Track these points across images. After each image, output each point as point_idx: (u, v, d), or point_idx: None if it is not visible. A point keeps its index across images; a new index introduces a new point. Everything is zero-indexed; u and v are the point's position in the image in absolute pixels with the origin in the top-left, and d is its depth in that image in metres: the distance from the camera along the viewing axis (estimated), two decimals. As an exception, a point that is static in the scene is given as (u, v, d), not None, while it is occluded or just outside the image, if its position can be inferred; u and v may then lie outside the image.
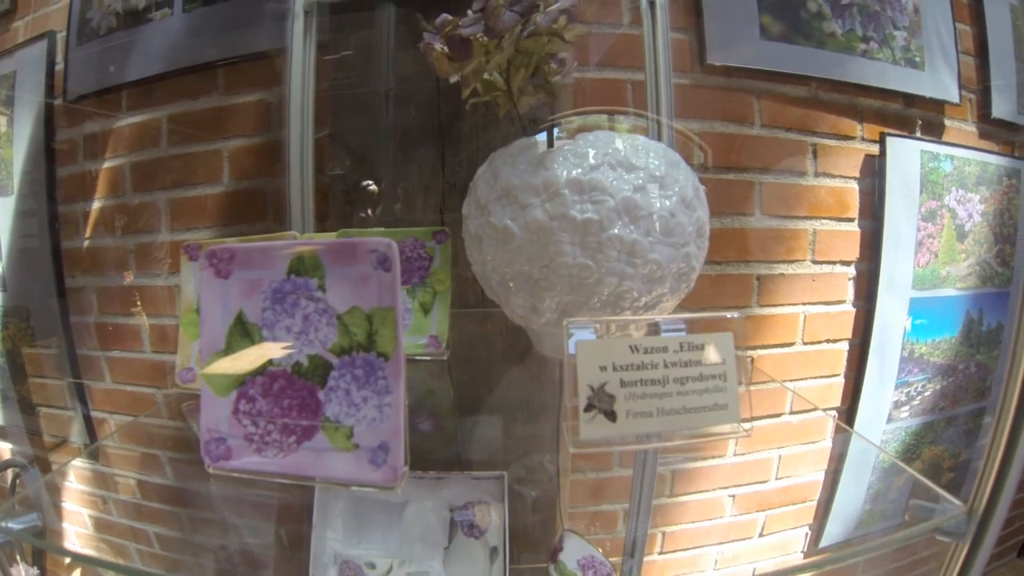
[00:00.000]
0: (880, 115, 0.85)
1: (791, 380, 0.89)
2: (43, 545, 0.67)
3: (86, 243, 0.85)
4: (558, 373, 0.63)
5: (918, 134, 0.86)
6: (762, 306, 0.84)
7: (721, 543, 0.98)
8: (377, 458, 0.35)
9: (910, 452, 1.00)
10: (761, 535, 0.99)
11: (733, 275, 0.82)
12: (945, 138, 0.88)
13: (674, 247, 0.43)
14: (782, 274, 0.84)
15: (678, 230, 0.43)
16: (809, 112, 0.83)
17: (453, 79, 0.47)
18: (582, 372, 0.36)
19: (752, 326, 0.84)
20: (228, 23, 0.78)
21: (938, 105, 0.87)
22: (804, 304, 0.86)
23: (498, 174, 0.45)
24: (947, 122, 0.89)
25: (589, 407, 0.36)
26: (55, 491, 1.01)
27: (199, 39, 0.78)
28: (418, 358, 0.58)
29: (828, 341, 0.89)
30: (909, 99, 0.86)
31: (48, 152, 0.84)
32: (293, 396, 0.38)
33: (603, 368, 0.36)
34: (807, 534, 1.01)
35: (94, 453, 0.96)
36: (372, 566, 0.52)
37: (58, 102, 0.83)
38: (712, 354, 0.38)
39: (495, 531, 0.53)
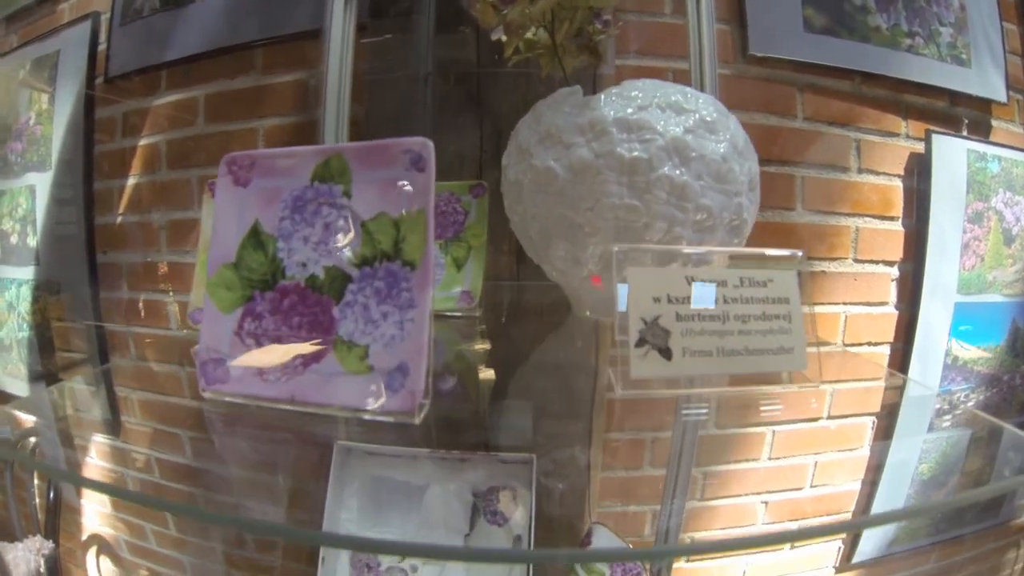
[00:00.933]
0: (925, 112, 0.83)
1: (831, 382, 0.85)
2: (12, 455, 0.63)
3: (119, 219, 0.86)
4: (594, 356, 0.60)
5: (964, 133, 0.84)
6: (803, 304, 0.81)
7: (751, 552, 0.94)
8: (394, 382, 0.30)
9: (951, 464, 0.95)
10: (793, 547, 0.95)
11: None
12: (992, 138, 0.85)
13: (726, 195, 0.41)
14: (823, 271, 0.81)
15: (730, 177, 0.41)
16: (852, 107, 0.81)
17: (495, 36, 0.46)
18: (634, 303, 0.32)
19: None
20: (268, 4, 0.79)
21: (985, 104, 0.85)
22: (845, 304, 0.83)
23: (541, 118, 0.44)
24: (994, 122, 0.86)
25: (641, 342, 0.32)
26: (75, 466, 1.00)
27: (239, 20, 0.79)
28: (448, 314, 0.56)
29: (870, 344, 0.85)
30: (955, 97, 0.83)
31: (87, 130, 0.85)
32: (305, 313, 0.34)
33: (657, 300, 0.32)
34: (840, 548, 0.97)
35: (115, 429, 0.95)
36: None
37: (100, 81, 0.84)
38: (776, 291, 0.34)
39: (520, 519, 0.51)
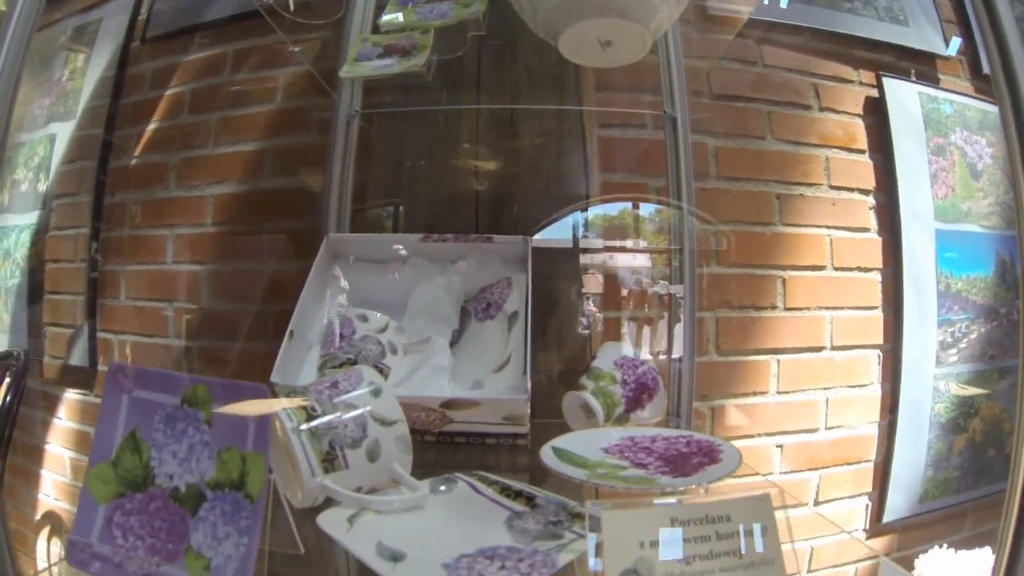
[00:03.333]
0: (874, 64, 0.93)
1: (827, 308, 0.85)
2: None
3: (133, 161, 0.90)
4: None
5: (913, 78, 0.93)
6: (786, 224, 0.84)
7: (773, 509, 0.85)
8: None
9: (966, 406, 0.91)
10: (816, 503, 0.87)
11: (753, 191, 0.84)
12: (941, 86, 0.94)
13: None
14: (802, 195, 0.85)
15: None
16: (808, 59, 0.90)
17: None
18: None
19: (780, 244, 0.84)
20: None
21: (929, 59, 0.95)
22: (828, 228, 0.85)
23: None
24: (940, 76, 0.96)
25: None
26: (44, 428, 0.94)
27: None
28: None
29: (860, 269, 0.86)
30: (900, 51, 0.94)
31: (116, 83, 0.92)
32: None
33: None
34: (867, 505, 0.89)
35: (89, 383, 0.91)
36: (364, 319, 0.47)
37: (136, 44, 0.94)
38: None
39: (515, 300, 0.48)
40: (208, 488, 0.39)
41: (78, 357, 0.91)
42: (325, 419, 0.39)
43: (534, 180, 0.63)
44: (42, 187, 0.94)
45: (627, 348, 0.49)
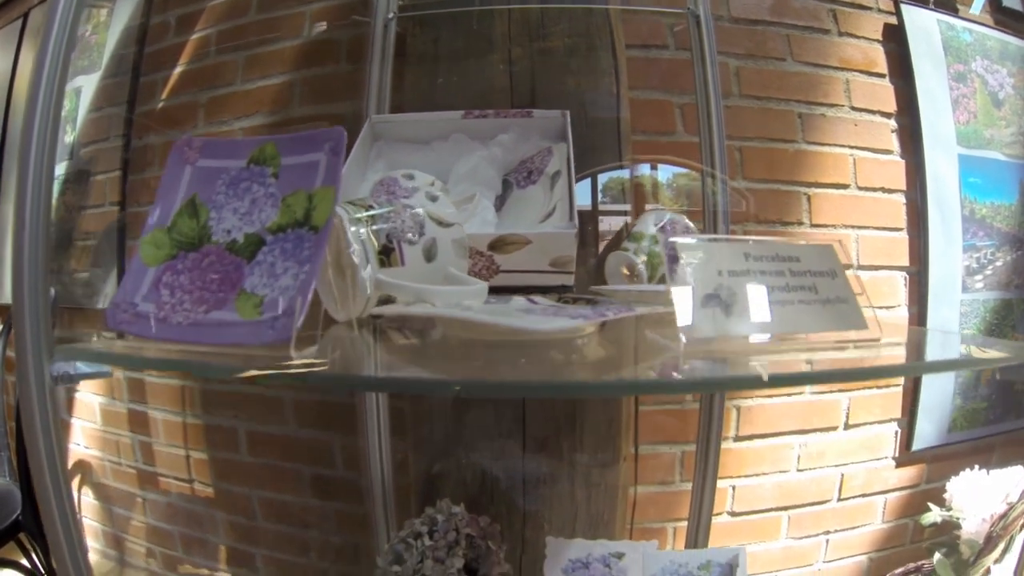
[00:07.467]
0: (893, -3, 0.93)
1: (852, 227, 0.85)
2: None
3: (160, 104, 0.91)
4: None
5: (932, 6, 0.93)
6: (809, 143, 0.84)
7: (803, 432, 0.85)
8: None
9: (992, 332, 0.91)
10: (847, 427, 0.87)
11: (775, 110, 0.84)
12: (960, 16, 0.94)
13: None
14: (823, 115, 0.85)
15: None
16: (826, -13, 0.91)
17: None
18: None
19: (803, 161, 0.84)
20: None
21: (947, -7, 0.95)
22: (851, 148, 0.86)
23: None
24: (959, 6, 0.96)
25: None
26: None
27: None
28: None
29: (884, 190, 0.86)
30: (917, -18, 0.94)
31: (140, 33, 0.94)
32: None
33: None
34: (897, 432, 0.88)
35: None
36: (410, 177, 0.47)
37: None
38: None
39: (556, 162, 0.48)
40: (268, 233, 0.37)
41: (107, 302, 0.92)
42: (383, 211, 0.38)
43: (565, 76, 0.64)
44: (68, 138, 0.96)
45: (667, 213, 0.49)
